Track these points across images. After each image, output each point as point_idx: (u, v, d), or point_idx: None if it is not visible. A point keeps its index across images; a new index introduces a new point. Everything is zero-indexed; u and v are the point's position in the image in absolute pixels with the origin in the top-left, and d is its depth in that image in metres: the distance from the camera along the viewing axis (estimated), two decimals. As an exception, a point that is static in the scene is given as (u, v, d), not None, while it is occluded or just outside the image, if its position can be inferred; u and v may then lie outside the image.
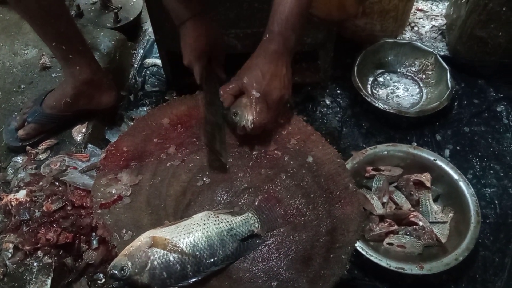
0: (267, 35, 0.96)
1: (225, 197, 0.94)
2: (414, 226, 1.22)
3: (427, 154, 1.32)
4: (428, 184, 1.28)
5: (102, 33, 1.62)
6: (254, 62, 0.96)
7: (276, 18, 0.94)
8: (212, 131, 1.00)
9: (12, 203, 1.12)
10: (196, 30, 1.07)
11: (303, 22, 0.97)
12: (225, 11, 1.31)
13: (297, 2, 0.93)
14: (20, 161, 1.31)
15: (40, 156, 1.31)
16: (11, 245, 1.10)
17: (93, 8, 1.80)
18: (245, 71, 0.97)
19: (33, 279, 1.07)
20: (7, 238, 1.10)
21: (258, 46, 0.98)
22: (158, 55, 1.61)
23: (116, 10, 1.76)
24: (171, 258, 0.78)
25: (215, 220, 0.84)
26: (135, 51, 1.79)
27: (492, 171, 1.42)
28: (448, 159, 1.38)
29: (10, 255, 1.09)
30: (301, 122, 1.07)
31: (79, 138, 1.35)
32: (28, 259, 1.09)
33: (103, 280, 1.12)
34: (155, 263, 0.77)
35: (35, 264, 1.09)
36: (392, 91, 1.65)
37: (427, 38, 1.81)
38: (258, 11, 1.30)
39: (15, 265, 1.08)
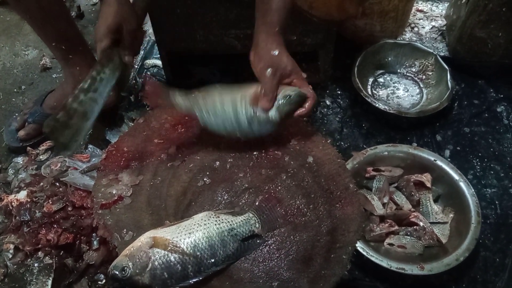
0: (277, 29, 0.96)
1: (225, 197, 0.94)
2: (415, 227, 1.22)
3: (427, 155, 1.32)
4: (429, 185, 1.28)
5: (102, 34, 1.62)
6: (285, 50, 0.97)
7: (281, 13, 0.96)
8: (67, 119, 0.93)
9: (13, 203, 1.13)
10: (111, 5, 1.01)
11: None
12: (225, 12, 1.32)
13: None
14: (21, 162, 1.31)
15: (41, 157, 1.31)
16: (11, 246, 1.10)
17: (93, 9, 1.81)
18: (279, 59, 0.96)
19: (34, 280, 1.07)
20: (7, 238, 1.10)
21: (270, 34, 0.97)
22: (159, 56, 1.61)
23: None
24: (172, 259, 0.78)
25: (216, 220, 0.84)
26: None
27: (492, 172, 1.42)
28: (449, 159, 1.38)
29: (10, 256, 1.09)
30: (301, 122, 1.07)
31: (79, 138, 1.35)
32: (29, 259, 1.09)
33: (104, 281, 1.12)
34: (156, 263, 0.77)
35: (35, 265, 1.09)
36: (392, 91, 1.65)
37: (427, 38, 1.81)
38: (258, 12, 1.31)
39: (15, 266, 1.08)
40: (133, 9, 1.06)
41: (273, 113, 0.95)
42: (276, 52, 0.95)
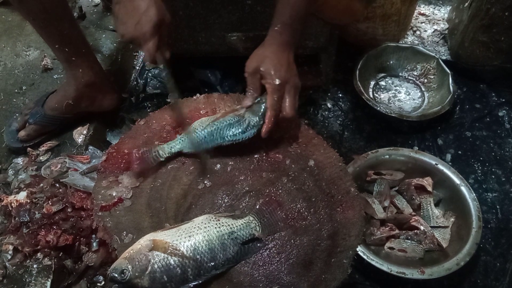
0: (278, 26, 0.97)
1: (226, 200, 0.94)
2: (415, 231, 1.22)
3: (428, 159, 1.31)
4: (430, 189, 1.28)
5: (104, 35, 1.62)
6: (269, 50, 0.97)
7: (286, 10, 0.96)
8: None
9: (12, 204, 1.12)
10: (140, 2, 0.91)
11: (308, 16, 1.00)
12: (227, 14, 1.31)
13: None
14: (21, 163, 1.31)
15: (41, 158, 1.31)
16: (10, 247, 1.09)
17: (95, 10, 1.81)
18: (259, 60, 0.96)
19: (33, 281, 1.06)
20: (7, 239, 1.10)
21: (268, 35, 0.98)
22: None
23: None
24: (172, 262, 0.78)
25: (216, 224, 0.84)
26: (137, 54, 1.79)
27: (493, 176, 1.42)
28: (450, 163, 1.38)
29: (9, 257, 1.09)
30: (302, 125, 1.07)
31: (80, 140, 1.35)
32: (28, 261, 1.09)
33: (103, 283, 1.12)
34: (156, 266, 0.77)
35: (34, 266, 1.08)
36: (393, 95, 1.64)
37: (429, 42, 1.81)
38: (260, 14, 1.30)
39: (14, 267, 1.08)
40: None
41: (249, 115, 0.97)
42: (260, 52, 0.97)
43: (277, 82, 0.93)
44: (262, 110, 0.95)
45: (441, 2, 1.98)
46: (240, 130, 0.96)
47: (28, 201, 1.13)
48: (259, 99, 0.97)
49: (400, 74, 1.70)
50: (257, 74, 0.96)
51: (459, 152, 1.48)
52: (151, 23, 0.91)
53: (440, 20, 1.89)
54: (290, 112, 0.95)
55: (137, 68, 1.73)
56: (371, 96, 1.62)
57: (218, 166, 0.99)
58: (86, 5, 1.81)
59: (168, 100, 1.52)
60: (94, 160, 1.23)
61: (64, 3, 1.14)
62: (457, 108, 1.59)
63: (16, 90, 1.46)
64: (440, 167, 1.29)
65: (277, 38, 0.97)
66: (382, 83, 1.68)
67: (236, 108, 1.01)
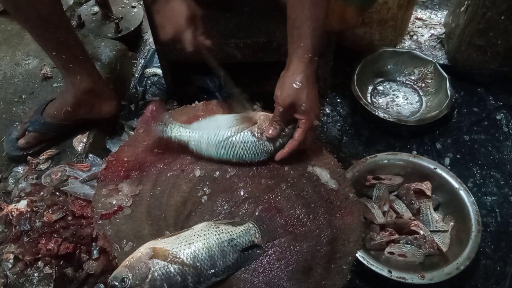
0: (311, 54, 0.92)
1: (225, 207, 0.94)
2: (415, 235, 1.22)
3: (427, 163, 1.32)
4: (429, 193, 1.28)
5: (103, 43, 1.63)
6: (305, 83, 0.92)
7: (316, 33, 0.92)
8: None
9: (13, 213, 1.12)
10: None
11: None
12: (225, 22, 1.32)
13: (323, 27, 0.95)
14: (21, 171, 1.31)
15: (41, 166, 1.31)
16: (11, 256, 1.09)
17: (94, 18, 1.82)
18: (297, 94, 0.92)
19: (34, 290, 1.06)
20: (7, 248, 1.10)
21: (300, 62, 0.93)
22: (159, 64, 1.62)
23: (117, 21, 1.77)
24: (172, 270, 0.78)
25: (216, 231, 0.84)
26: (136, 61, 1.80)
27: (492, 180, 1.42)
28: (448, 167, 1.38)
29: (10, 266, 1.09)
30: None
31: (80, 148, 1.35)
32: (29, 269, 1.09)
33: (104, 291, 1.12)
34: (156, 274, 0.77)
35: (35, 274, 1.08)
36: (391, 99, 1.65)
37: (426, 46, 1.82)
38: (257, 21, 1.31)
39: (15, 276, 1.08)
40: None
41: (267, 142, 0.97)
42: (299, 85, 0.92)
43: (317, 123, 0.95)
44: (283, 141, 0.97)
45: (437, 7, 1.99)
46: (252, 152, 0.97)
47: (29, 209, 1.13)
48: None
49: (397, 78, 1.70)
50: (292, 109, 0.93)
51: (458, 156, 1.49)
52: (183, 16, 1.01)
53: (436, 24, 1.90)
54: (309, 146, 0.99)
55: (136, 75, 1.74)
56: (369, 101, 1.63)
57: (217, 173, 0.99)
58: (85, 13, 1.82)
59: (167, 107, 1.53)
60: (94, 168, 1.23)
61: (60, 10, 1.15)
62: (455, 112, 1.60)
63: (15, 99, 1.47)
64: (439, 171, 1.30)
65: (311, 68, 0.93)
66: (380, 88, 1.69)
67: (254, 128, 0.98)
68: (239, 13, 1.30)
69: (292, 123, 0.97)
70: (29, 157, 1.31)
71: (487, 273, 1.23)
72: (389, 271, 1.12)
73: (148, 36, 1.90)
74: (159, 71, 1.71)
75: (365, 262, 1.14)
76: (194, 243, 0.82)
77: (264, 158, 0.98)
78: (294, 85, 0.92)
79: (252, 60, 1.43)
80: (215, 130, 0.97)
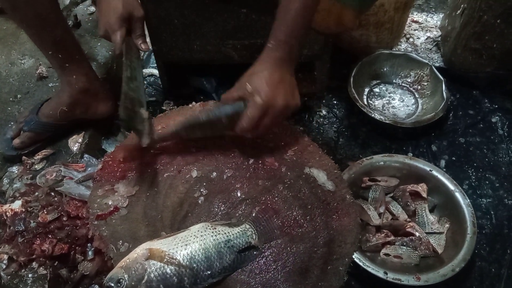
0: (272, 43, 0.95)
1: (222, 208, 0.94)
2: (411, 237, 1.22)
3: (423, 165, 1.32)
4: (424, 195, 1.28)
5: (99, 43, 1.62)
6: (258, 69, 0.94)
7: (281, 26, 0.94)
8: (132, 107, 0.96)
9: (7, 213, 1.12)
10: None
11: (306, 32, 0.99)
12: (223, 22, 1.32)
13: (302, 12, 0.93)
14: (16, 171, 1.30)
15: (36, 166, 1.30)
16: (5, 256, 1.09)
17: (90, 18, 1.81)
18: (249, 78, 0.94)
19: (28, 291, 1.06)
20: (1, 249, 1.09)
21: (262, 53, 0.96)
22: (155, 65, 1.61)
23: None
24: (168, 271, 0.78)
25: (212, 232, 0.84)
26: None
27: (487, 182, 1.43)
28: (444, 169, 1.39)
29: (4, 266, 1.08)
30: (298, 132, 1.07)
31: (75, 148, 1.35)
32: (23, 270, 1.08)
33: (99, 292, 1.11)
34: (152, 275, 0.77)
35: (29, 275, 1.07)
36: (388, 101, 1.66)
37: (422, 49, 1.83)
38: (255, 22, 1.31)
39: (9, 277, 1.07)
40: None
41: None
42: (253, 67, 0.95)
43: (259, 101, 0.89)
44: (228, 111, 0.94)
45: (434, 10, 2.00)
46: None
47: (23, 210, 1.12)
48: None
49: (394, 81, 1.71)
50: (243, 88, 0.93)
51: (453, 158, 1.49)
52: (116, 15, 1.02)
53: (433, 27, 1.91)
54: (262, 132, 0.93)
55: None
56: (366, 103, 1.63)
57: (214, 174, 0.99)
58: (81, 13, 1.81)
59: (164, 108, 1.53)
60: (89, 168, 1.22)
61: (57, 9, 1.15)
62: (451, 114, 1.61)
63: (11, 99, 1.46)
64: (435, 173, 1.30)
65: (271, 55, 0.94)
66: (376, 90, 1.70)
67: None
68: (237, 14, 1.30)
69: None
70: (24, 157, 1.31)
71: (482, 275, 1.24)
72: (385, 273, 1.12)
73: (145, 37, 1.90)
74: (155, 71, 1.70)
75: (361, 264, 1.14)
76: (191, 244, 0.81)
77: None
78: (252, 67, 0.95)
79: (249, 62, 1.41)
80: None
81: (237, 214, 0.93)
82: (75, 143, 1.36)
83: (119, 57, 1.04)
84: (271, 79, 0.91)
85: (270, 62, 0.94)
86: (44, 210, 1.12)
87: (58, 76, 1.35)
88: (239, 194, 0.96)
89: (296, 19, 0.94)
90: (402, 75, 1.70)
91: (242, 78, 0.95)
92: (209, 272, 0.81)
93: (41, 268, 1.08)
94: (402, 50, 1.80)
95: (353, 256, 0.91)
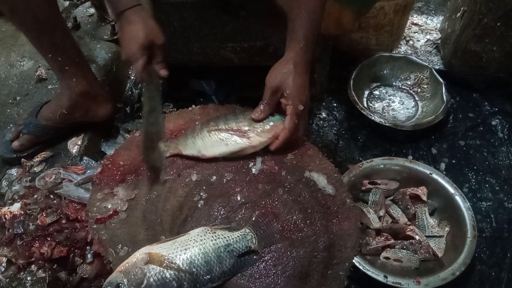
0: (303, 43, 0.95)
1: (222, 213, 0.94)
2: (411, 240, 1.22)
3: (423, 168, 1.32)
4: (424, 198, 1.28)
5: (99, 45, 1.62)
6: (294, 70, 0.95)
7: (309, 25, 0.95)
8: (152, 145, 1.00)
9: (6, 216, 1.11)
10: (136, 22, 1.03)
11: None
12: (222, 25, 1.32)
13: (321, 11, 0.97)
14: (15, 174, 1.29)
15: (35, 169, 1.30)
16: (4, 259, 1.08)
17: (90, 20, 1.80)
18: (283, 78, 0.95)
19: (27, 294, 1.05)
20: (0, 251, 1.09)
21: (292, 52, 0.96)
22: (155, 67, 1.61)
23: (113, 22, 1.76)
24: (168, 275, 0.77)
25: (212, 236, 0.84)
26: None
27: (487, 185, 1.43)
28: (444, 172, 1.39)
29: (3, 269, 1.08)
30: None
31: (74, 150, 1.34)
32: (22, 273, 1.07)
33: (98, 295, 1.11)
34: (151, 280, 0.77)
35: (28, 278, 1.07)
36: (387, 104, 1.65)
37: (422, 52, 1.83)
38: (254, 25, 1.31)
39: (8, 279, 1.07)
40: (156, 23, 1.08)
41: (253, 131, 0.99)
42: (286, 71, 0.95)
43: (301, 108, 0.94)
44: (268, 127, 0.97)
45: (433, 12, 2.00)
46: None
47: (22, 212, 1.12)
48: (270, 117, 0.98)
49: (393, 83, 1.71)
50: (279, 92, 0.96)
51: (453, 161, 1.49)
52: (138, 44, 1.02)
53: (432, 30, 1.91)
54: (303, 135, 0.99)
55: (132, 78, 1.73)
56: (365, 105, 1.63)
57: (214, 178, 0.98)
58: (80, 15, 1.80)
59: (163, 110, 1.52)
60: (88, 171, 1.22)
61: (56, 12, 1.14)
62: (451, 117, 1.61)
63: (10, 101, 1.45)
64: (435, 176, 1.30)
65: (302, 56, 0.95)
66: (376, 92, 1.70)
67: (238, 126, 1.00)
68: (236, 17, 1.30)
69: (278, 114, 0.99)
70: (23, 160, 1.30)
71: (482, 279, 1.23)
72: (385, 276, 1.12)
73: (144, 39, 1.89)
74: (155, 73, 1.70)
75: (361, 267, 1.14)
76: (190, 248, 0.81)
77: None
78: (283, 69, 0.95)
79: (248, 64, 1.42)
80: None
81: (237, 218, 0.93)
82: (74, 145, 1.35)
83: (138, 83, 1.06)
84: (306, 84, 0.96)
85: (303, 65, 0.96)
86: (43, 213, 1.12)
87: (57, 79, 1.34)
88: (239, 198, 0.95)
89: (319, 18, 0.96)
90: (402, 77, 1.70)
91: (274, 76, 0.96)
92: (209, 277, 0.80)
93: (40, 271, 1.08)
94: (402, 52, 1.81)
95: (353, 260, 0.90)
